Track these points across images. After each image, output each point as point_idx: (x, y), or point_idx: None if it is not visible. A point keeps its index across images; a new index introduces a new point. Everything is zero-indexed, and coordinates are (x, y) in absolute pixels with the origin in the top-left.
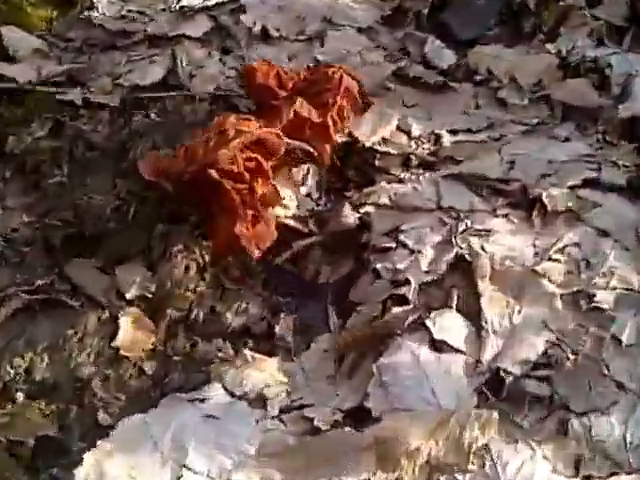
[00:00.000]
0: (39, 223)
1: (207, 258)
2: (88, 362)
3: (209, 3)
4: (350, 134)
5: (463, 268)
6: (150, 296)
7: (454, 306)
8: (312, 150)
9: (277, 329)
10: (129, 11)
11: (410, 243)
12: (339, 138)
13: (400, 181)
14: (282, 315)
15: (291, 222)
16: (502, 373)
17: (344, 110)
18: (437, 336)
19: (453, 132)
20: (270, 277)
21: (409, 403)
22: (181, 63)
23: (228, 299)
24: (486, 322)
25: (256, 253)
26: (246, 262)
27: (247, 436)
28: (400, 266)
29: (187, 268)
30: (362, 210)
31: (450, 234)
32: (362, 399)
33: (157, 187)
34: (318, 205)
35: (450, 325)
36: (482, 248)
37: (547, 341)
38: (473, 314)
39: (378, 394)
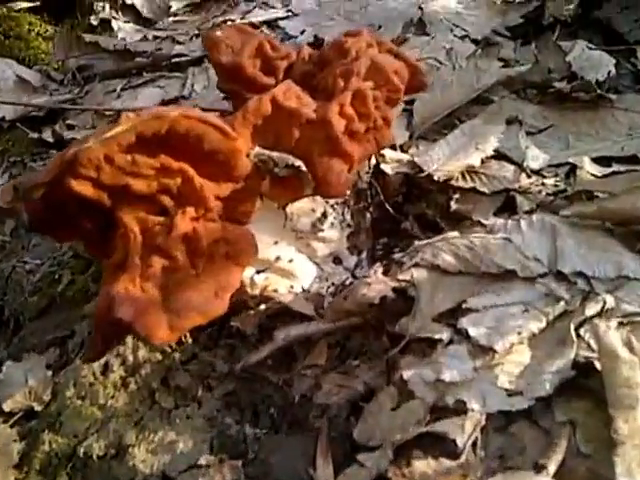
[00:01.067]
0: None
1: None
2: None
3: (261, 18)
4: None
5: (586, 390)
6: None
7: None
8: (302, 167)
9: None
10: (155, 37)
11: (478, 335)
12: (367, 153)
13: (483, 228)
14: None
15: (293, 302)
16: None
17: (367, 99)
18: None
19: (599, 161)
20: (236, 387)
21: None
22: (192, 86)
23: (152, 425)
24: None
25: (154, 337)
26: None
27: None
28: (451, 377)
29: (106, 367)
30: (402, 276)
31: (567, 321)
32: None
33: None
34: (354, 276)
35: None
36: (630, 347)
37: None
38: None
39: None
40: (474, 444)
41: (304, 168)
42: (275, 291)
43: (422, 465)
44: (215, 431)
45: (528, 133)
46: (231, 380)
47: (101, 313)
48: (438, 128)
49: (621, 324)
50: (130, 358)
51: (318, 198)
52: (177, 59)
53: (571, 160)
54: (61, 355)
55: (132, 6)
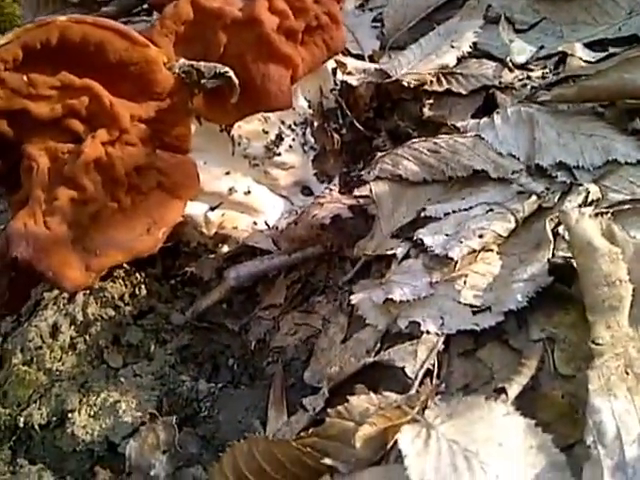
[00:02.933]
0: None
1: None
2: None
3: None
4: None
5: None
6: None
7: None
8: (230, 74)
9: None
10: None
11: (434, 244)
12: (315, 58)
13: (455, 131)
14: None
15: (249, 238)
16: None
17: None
18: None
19: (592, 47)
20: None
21: None
22: None
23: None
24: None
25: (64, 279)
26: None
27: None
28: (402, 296)
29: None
30: (359, 192)
31: (543, 220)
32: None
33: None
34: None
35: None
36: (611, 237)
37: None
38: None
39: None
40: (428, 373)
41: (232, 75)
42: (235, 228)
43: (363, 401)
44: (165, 389)
45: (517, 30)
46: (187, 332)
47: None
48: (413, 36)
49: (600, 214)
50: (79, 317)
51: (271, 118)
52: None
53: (561, 49)
54: (17, 320)
55: None
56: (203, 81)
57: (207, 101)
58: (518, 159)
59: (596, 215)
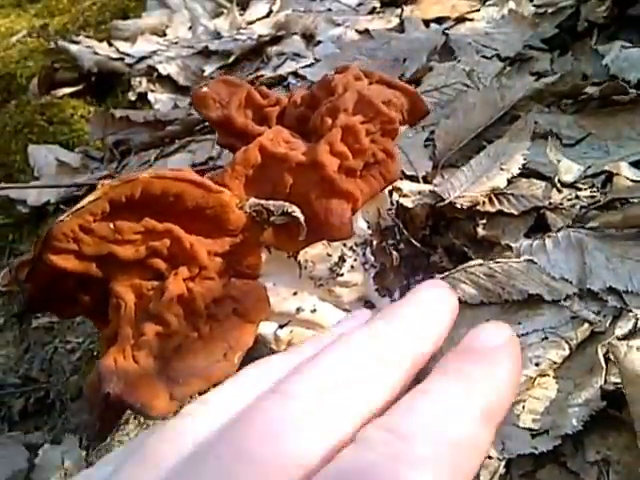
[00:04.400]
0: None
1: None
2: None
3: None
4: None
5: (620, 422)
6: None
7: None
8: (296, 213)
9: None
10: (190, 104)
11: None
12: (373, 189)
13: (509, 250)
14: None
15: None
16: None
17: (358, 134)
18: None
19: (638, 164)
20: None
21: None
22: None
23: None
24: None
25: (152, 409)
26: None
27: None
28: None
29: None
30: None
31: (595, 345)
32: None
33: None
34: None
35: None
36: None
37: None
38: None
39: None
40: None
41: (299, 214)
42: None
43: None
44: None
45: (565, 145)
46: None
47: (91, 391)
48: (464, 154)
49: None
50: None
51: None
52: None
53: (607, 168)
54: None
55: (168, 77)
56: (272, 218)
57: (276, 234)
58: (571, 282)
59: None
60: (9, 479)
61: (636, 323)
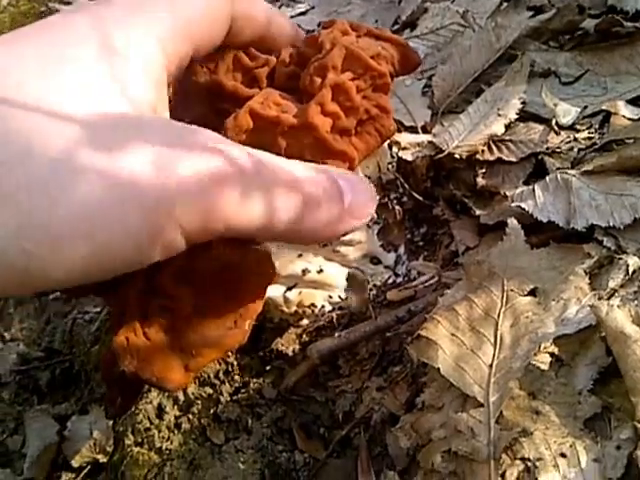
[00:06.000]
0: None
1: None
2: None
3: None
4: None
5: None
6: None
7: None
8: None
9: None
10: None
11: None
12: (369, 146)
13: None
14: None
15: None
16: None
17: (349, 92)
18: None
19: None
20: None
21: None
22: None
23: (204, 463)
24: None
25: (170, 382)
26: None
27: None
28: None
29: (160, 410)
30: None
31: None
32: None
33: None
34: (395, 273)
35: None
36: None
37: None
38: None
39: None
40: None
41: None
42: (312, 304)
43: None
44: (265, 461)
45: (564, 83)
46: (280, 405)
47: (106, 369)
48: (464, 99)
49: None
50: (181, 397)
51: None
52: None
53: (605, 107)
54: None
55: None
56: None
57: None
58: (558, 225)
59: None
60: (42, 453)
61: (627, 271)
